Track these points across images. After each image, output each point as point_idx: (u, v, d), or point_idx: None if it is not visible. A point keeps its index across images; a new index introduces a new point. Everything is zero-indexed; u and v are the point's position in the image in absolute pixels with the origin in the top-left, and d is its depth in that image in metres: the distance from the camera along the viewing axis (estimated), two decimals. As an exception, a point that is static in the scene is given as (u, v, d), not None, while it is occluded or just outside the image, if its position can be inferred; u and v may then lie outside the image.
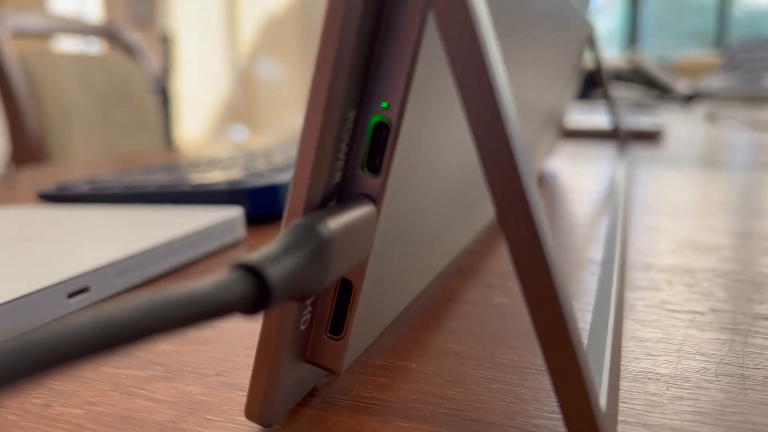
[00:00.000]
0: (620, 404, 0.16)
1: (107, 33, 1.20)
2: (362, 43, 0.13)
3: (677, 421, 0.15)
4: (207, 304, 0.09)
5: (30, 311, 0.21)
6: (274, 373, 0.14)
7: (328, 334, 0.15)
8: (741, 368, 0.17)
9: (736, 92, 1.37)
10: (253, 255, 0.10)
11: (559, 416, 0.15)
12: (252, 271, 0.10)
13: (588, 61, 0.58)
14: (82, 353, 0.07)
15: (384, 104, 0.14)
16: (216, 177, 0.41)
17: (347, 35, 0.12)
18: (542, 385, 0.17)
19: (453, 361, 0.19)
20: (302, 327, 0.15)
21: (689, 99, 1.38)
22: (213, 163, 0.52)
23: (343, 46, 0.12)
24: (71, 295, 0.23)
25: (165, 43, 1.70)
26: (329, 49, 0.12)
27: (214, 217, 0.32)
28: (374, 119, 0.14)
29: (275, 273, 0.10)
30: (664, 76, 1.47)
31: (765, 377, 0.17)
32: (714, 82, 1.51)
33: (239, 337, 0.21)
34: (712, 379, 0.17)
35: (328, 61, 0.12)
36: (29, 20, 1.02)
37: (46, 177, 0.64)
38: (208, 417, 0.16)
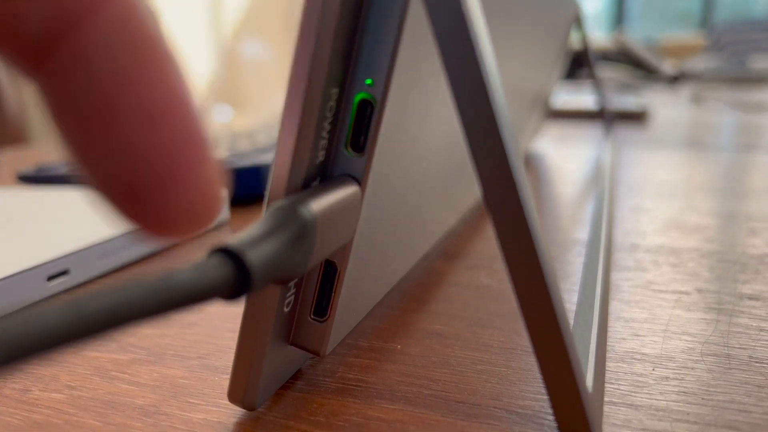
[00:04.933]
0: (607, 385, 0.16)
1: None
2: (345, 17, 0.12)
3: (663, 401, 0.15)
4: (185, 291, 0.08)
5: (8, 294, 0.21)
6: (258, 356, 0.14)
7: (312, 317, 0.15)
8: (726, 348, 0.17)
9: (721, 73, 1.37)
10: (233, 238, 0.10)
11: (546, 397, 0.15)
12: (231, 255, 0.09)
13: (575, 41, 0.58)
14: (56, 343, 0.07)
15: (368, 81, 0.13)
16: (199, 158, 0.41)
17: (330, 9, 0.12)
18: (528, 366, 0.17)
19: (438, 342, 0.19)
20: (286, 309, 0.15)
21: (675, 80, 1.39)
22: (196, 144, 0.51)
23: (326, 21, 0.12)
24: (51, 278, 0.23)
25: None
26: (311, 23, 0.12)
27: (197, 199, 0.32)
28: (358, 97, 0.13)
29: (255, 257, 0.10)
30: (650, 57, 1.47)
31: (750, 357, 0.17)
32: (699, 63, 1.51)
33: (222, 320, 0.21)
34: (698, 358, 0.17)
35: (309, 36, 0.12)
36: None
37: (26, 158, 0.63)
38: (191, 400, 0.16)
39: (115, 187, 0.10)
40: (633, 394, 0.15)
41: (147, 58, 0.09)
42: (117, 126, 0.09)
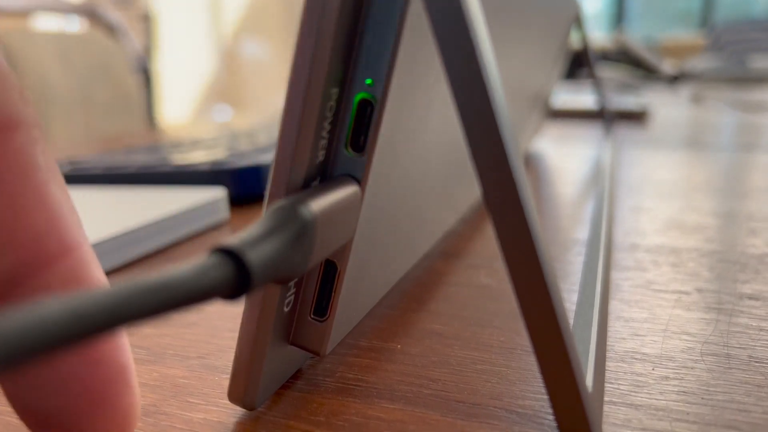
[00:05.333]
0: (606, 384, 0.16)
1: (88, 11, 1.17)
2: (345, 17, 0.12)
3: (663, 401, 0.15)
4: (185, 291, 0.08)
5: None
6: (258, 356, 0.14)
7: (312, 316, 0.15)
8: (726, 348, 0.17)
9: (721, 73, 1.37)
10: (233, 238, 0.10)
11: (546, 397, 0.15)
12: (231, 255, 0.09)
13: (575, 41, 0.58)
14: (56, 343, 0.07)
15: (368, 81, 0.13)
16: (199, 158, 0.41)
17: (330, 9, 0.12)
18: (528, 366, 0.17)
19: (438, 342, 0.19)
20: (286, 309, 0.15)
21: (675, 80, 1.39)
22: (196, 144, 0.52)
23: (326, 21, 0.12)
24: (51, 278, 0.23)
25: (147, 21, 1.68)
26: (311, 23, 0.12)
27: (196, 199, 0.32)
28: (358, 96, 0.13)
29: (255, 257, 0.10)
30: (649, 57, 1.47)
31: (749, 356, 0.17)
32: (699, 63, 1.51)
33: (222, 320, 0.21)
34: (698, 358, 0.17)
35: (309, 36, 0.12)
36: (6, -2, 0.99)
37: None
38: (191, 400, 0.16)
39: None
40: (633, 393, 0.15)
41: None
42: (51, 383, 0.11)
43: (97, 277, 0.11)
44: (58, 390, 0.11)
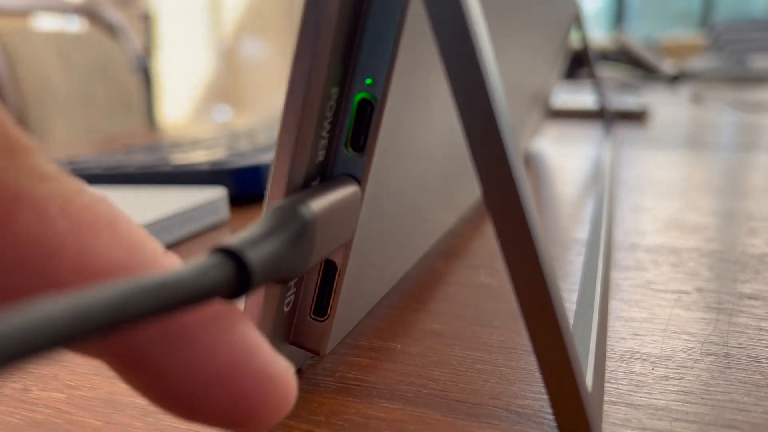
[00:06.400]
0: (606, 384, 0.16)
1: (87, 11, 1.17)
2: (345, 17, 0.12)
3: (663, 401, 0.15)
4: (185, 291, 0.08)
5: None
6: (258, 356, 0.14)
7: (312, 316, 0.15)
8: (725, 347, 0.17)
9: (721, 73, 1.37)
10: (233, 238, 0.10)
11: (545, 396, 0.15)
12: (231, 254, 0.09)
13: (575, 41, 0.58)
14: (56, 343, 0.07)
15: (368, 81, 0.13)
16: (199, 157, 0.41)
17: (330, 9, 0.12)
18: (528, 366, 0.17)
19: (438, 342, 0.19)
20: (286, 309, 0.15)
21: (675, 79, 1.39)
22: (196, 144, 0.52)
23: (326, 21, 0.12)
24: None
25: (147, 21, 1.68)
26: (311, 23, 0.12)
27: (196, 198, 0.32)
28: (358, 96, 0.13)
29: (256, 256, 0.10)
30: (649, 57, 1.47)
31: (749, 356, 0.17)
32: (699, 63, 1.51)
33: (223, 320, 0.21)
34: (697, 358, 0.17)
35: (309, 36, 0.12)
36: (6, -3, 0.99)
37: (26, 158, 0.63)
38: (191, 400, 0.16)
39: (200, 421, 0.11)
40: (632, 393, 0.15)
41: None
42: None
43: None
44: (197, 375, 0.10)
